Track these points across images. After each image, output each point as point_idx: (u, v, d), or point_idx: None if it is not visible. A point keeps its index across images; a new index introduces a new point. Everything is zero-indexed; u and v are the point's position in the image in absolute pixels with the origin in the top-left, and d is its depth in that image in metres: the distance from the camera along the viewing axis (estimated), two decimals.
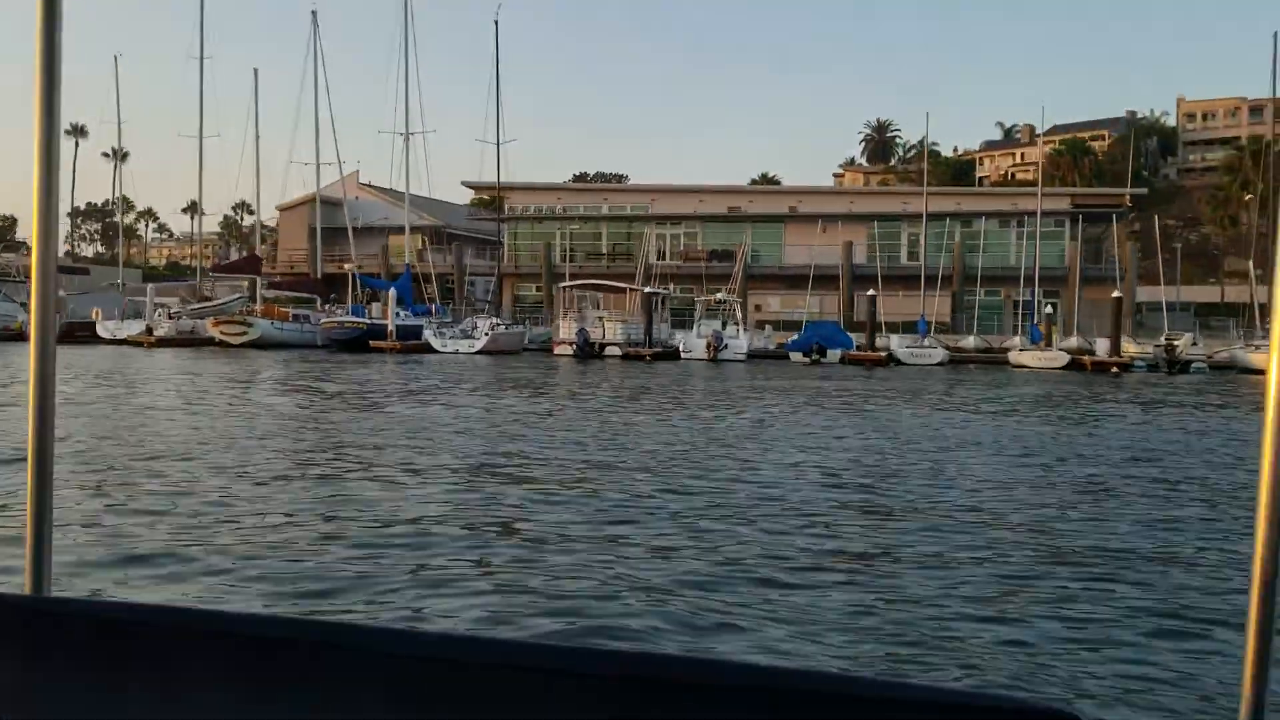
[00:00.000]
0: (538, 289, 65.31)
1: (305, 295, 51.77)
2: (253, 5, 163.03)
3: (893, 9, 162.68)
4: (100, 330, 48.51)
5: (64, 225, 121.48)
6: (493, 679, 1.00)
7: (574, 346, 43.96)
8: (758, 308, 59.00)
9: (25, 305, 54.19)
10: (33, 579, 1.34)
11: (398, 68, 55.02)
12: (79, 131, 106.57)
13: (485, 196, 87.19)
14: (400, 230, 69.35)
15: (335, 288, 57.13)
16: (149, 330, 47.29)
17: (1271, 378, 0.94)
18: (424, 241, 73.83)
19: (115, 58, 69.32)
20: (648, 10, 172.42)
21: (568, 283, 51.21)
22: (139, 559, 6.73)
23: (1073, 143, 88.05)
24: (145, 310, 50.18)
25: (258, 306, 47.96)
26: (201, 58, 54.62)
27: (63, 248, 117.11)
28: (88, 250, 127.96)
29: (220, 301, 46.01)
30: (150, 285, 52.04)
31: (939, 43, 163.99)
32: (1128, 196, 59.63)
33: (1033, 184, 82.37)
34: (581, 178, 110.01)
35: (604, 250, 67.11)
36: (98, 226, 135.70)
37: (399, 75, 56.13)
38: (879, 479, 11.24)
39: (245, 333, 46.18)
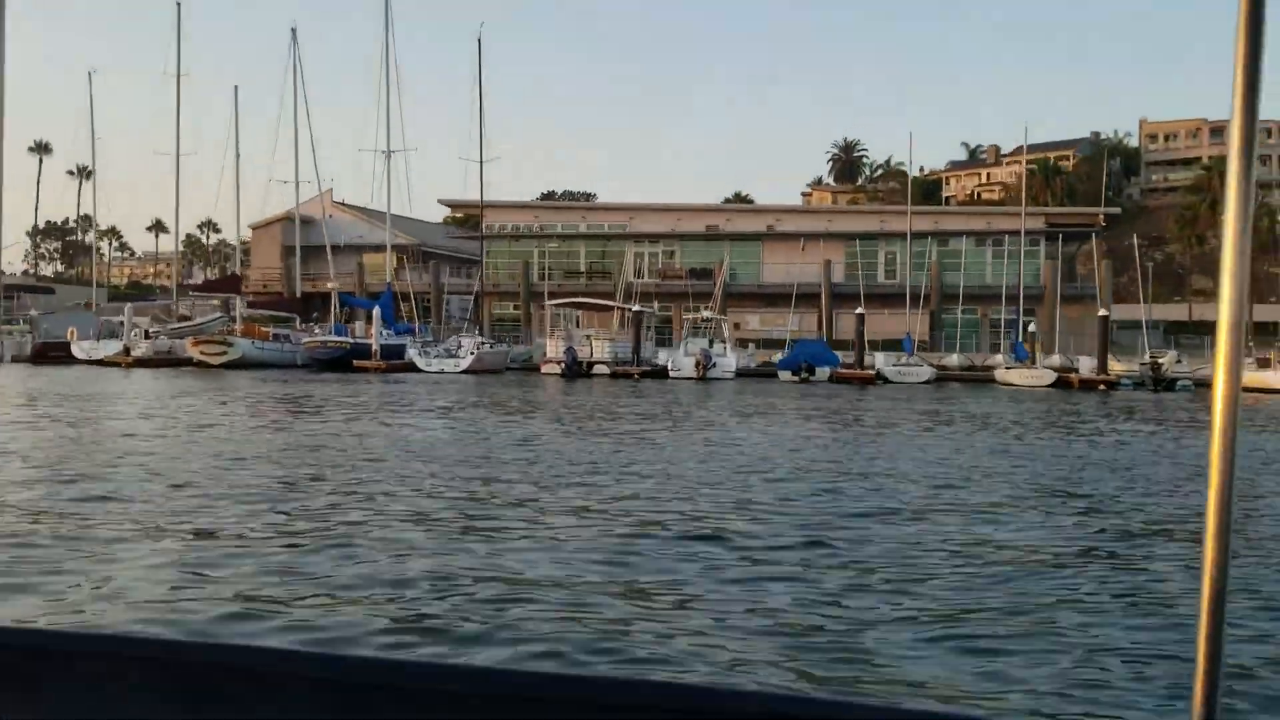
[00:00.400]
0: (515, 307, 65.08)
1: (284, 315, 51.17)
2: (232, 21, 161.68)
3: (857, 30, 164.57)
4: (75, 350, 47.56)
5: (23, 243, 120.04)
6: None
7: (562, 365, 43.71)
8: (737, 325, 59.10)
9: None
10: None
11: (379, 85, 54.32)
12: (43, 148, 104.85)
13: (459, 215, 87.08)
14: (375, 249, 68.96)
15: (315, 306, 56.53)
16: (126, 350, 46.43)
17: (1217, 394, 0.98)
18: (400, 260, 73.42)
19: (89, 74, 68.31)
20: (613, 29, 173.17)
21: (555, 300, 50.99)
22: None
23: (1044, 163, 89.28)
24: (121, 330, 49.28)
25: (237, 326, 47.30)
26: (179, 74, 53.97)
27: (21, 266, 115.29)
28: (47, 269, 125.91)
29: (200, 321, 45.31)
30: (128, 305, 51.11)
31: (902, 63, 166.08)
32: (1102, 216, 60.49)
33: (1000, 203, 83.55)
34: (549, 196, 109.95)
35: (582, 269, 67.02)
36: (58, 245, 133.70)
37: (381, 92, 55.56)
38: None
39: (225, 353, 45.49)
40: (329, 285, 52.19)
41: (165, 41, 55.58)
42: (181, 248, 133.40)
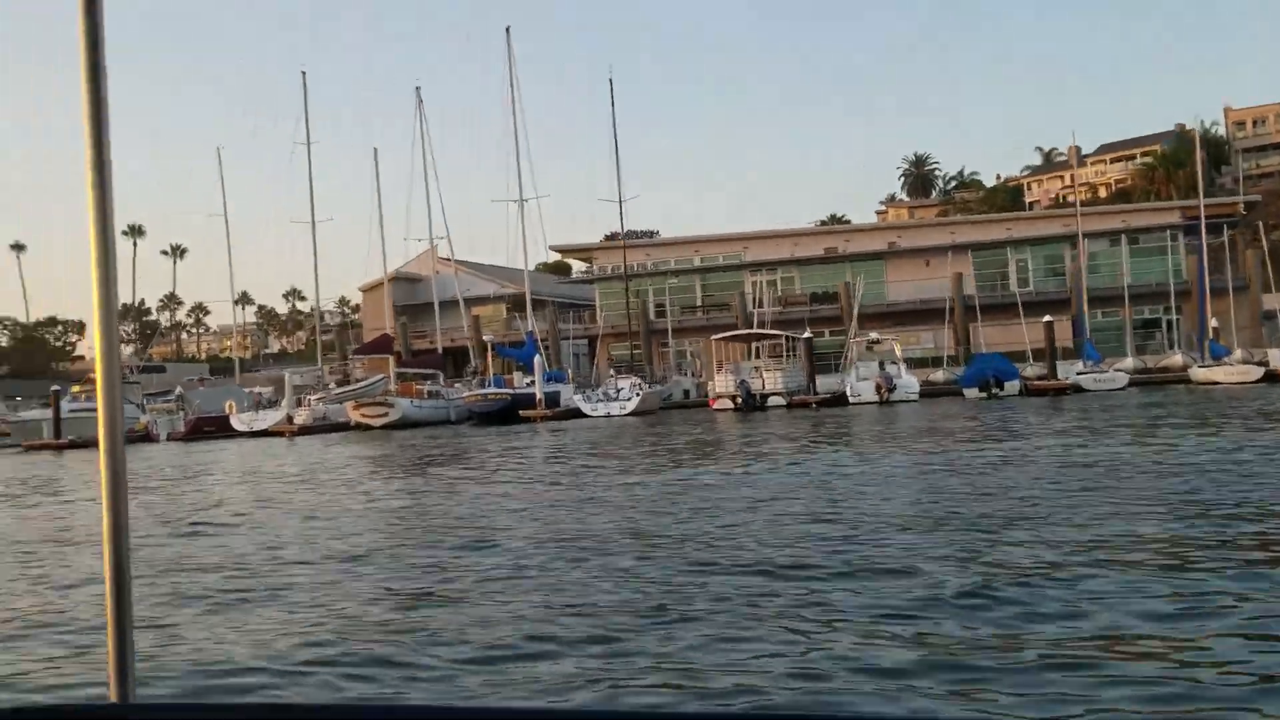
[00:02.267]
0: (635, 347, 64.44)
1: (428, 371, 50.80)
2: (356, 86, 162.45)
3: (906, 45, 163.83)
4: (235, 423, 47.33)
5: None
6: None
7: (738, 399, 42.79)
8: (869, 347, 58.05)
9: (143, 406, 53.23)
10: (117, 688, 1.33)
11: (506, 136, 54.06)
12: (136, 231, 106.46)
13: (552, 261, 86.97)
14: (481, 301, 68.75)
15: (456, 361, 56.37)
16: (289, 419, 46.13)
17: None
18: (508, 310, 73.19)
19: (218, 150, 69.08)
20: (668, 56, 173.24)
21: (723, 334, 50.23)
22: (222, 663, 6.37)
23: (1165, 155, 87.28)
24: (264, 400, 49.19)
25: (393, 386, 46.95)
26: (309, 143, 54.15)
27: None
28: (126, 350, 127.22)
29: (365, 383, 45.01)
30: (288, 372, 50.94)
31: (964, 75, 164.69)
32: (1241, 204, 58.87)
33: (1089, 204, 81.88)
34: (612, 237, 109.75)
35: (698, 302, 66.36)
36: (134, 326, 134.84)
37: (509, 143, 55.32)
38: None
39: (386, 414, 45.14)
40: (486, 337, 51.75)
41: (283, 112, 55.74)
42: (254, 318, 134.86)
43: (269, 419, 46.91)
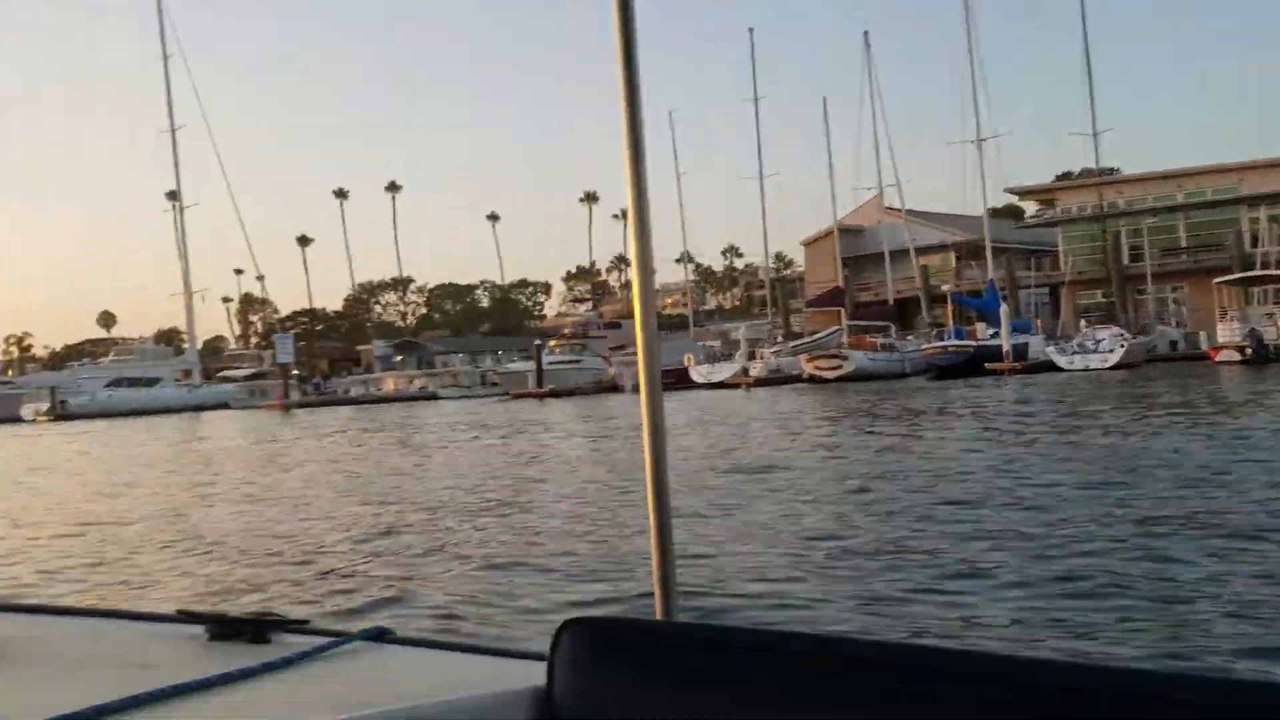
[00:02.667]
0: (1105, 295, 58.38)
1: (880, 323, 49.13)
2: (801, 38, 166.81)
3: None
4: (694, 375, 48.75)
5: (560, 288, 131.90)
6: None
7: (1245, 351, 37.06)
8: None
9: (608, 359, 56.53)
10: (662, 606, 1.42)
11: (964, 73, 50.77)
12: (590, 198, 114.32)
13: (1001, 206, 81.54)
14: (928, 250, 65.63)
15: (902, 313, 54.41)
16: (744, 371, 46.68)
17: None
18: (958, 259, 69.58)
19: (670, 113, 72.03)
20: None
21: (1227, 278, 44.20)
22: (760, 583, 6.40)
23: None
24: (717, 354, 50.09)
25: (845, 339, 45.89)
26: (756, 99, 54.29)
27: (556, 308, 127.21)
28: (580, 308, 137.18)
29: (819, 335, 44.48)
30: (743, 325, 51.87)
31: None
32: None
33: None
34: (1064, 176, 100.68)
35: (1183, 244, 58.84)
36: (587, 288, 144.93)
37: (966, 80, 52.13)
38: None
39: (840, 366, 44.21)
40: (945, 288, 49.40)
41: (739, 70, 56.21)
42: (694, 276, 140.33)
43: (725, 371, 47.76)
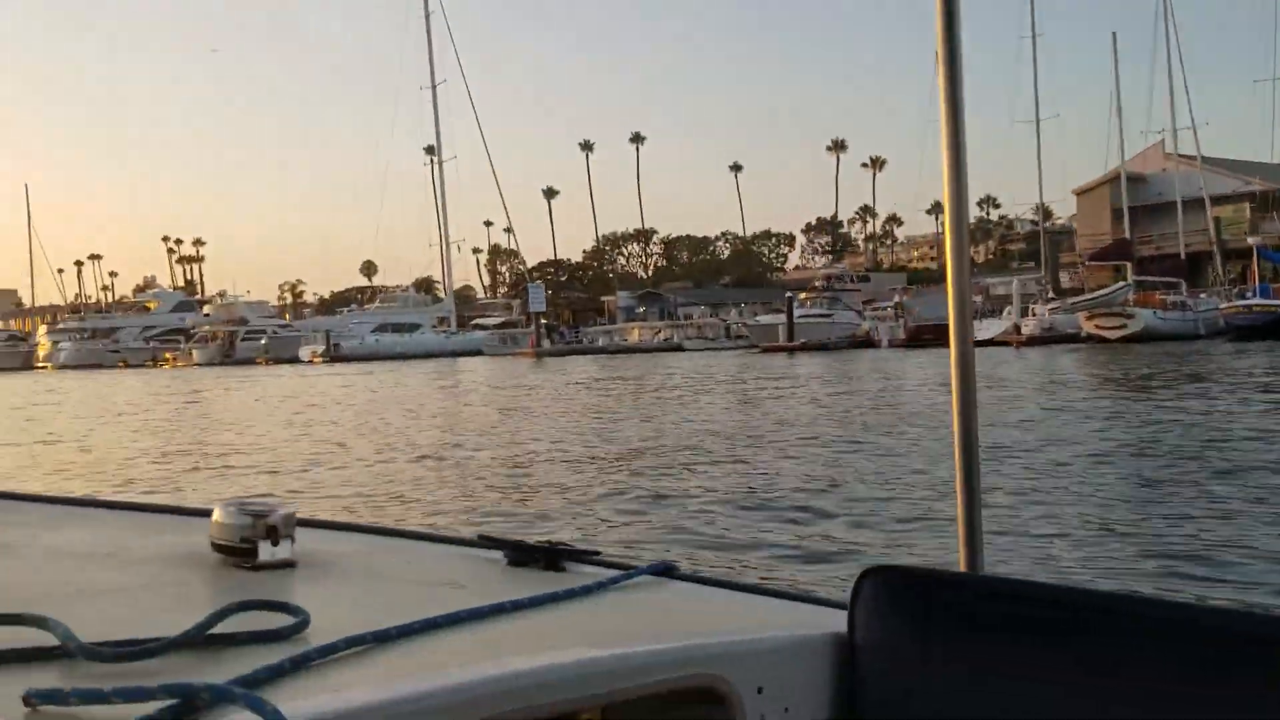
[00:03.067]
0: None
1: (1168, 280, 44.66)
2: None
3: None
4: None
5: (801, 240, 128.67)
6: None
7: None
8: None
9: (862, 314, 54.43)
10: (967, 558, 1.41)
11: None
12: (839, 146, 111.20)
13: None
14: (1219, 201, 59.32)
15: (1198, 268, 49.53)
16: (1017, 329, 43.64)
17: None
18: (1251, 210, 62.81)
19: (936, 53, 68.56)
20: None
21: None
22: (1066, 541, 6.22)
23: None
24: (990, 310, 46.97)
25: (1131, 295, 41.99)
26: (1034, 36, 50.34)
27: (795, 259, 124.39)
28: (819, 261, 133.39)
29: (1104, 291, 40.86)
30: (1015, 280, 48.68)
31: None
32: None
33: None
34: None
35: None
36: (827, 239, 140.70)
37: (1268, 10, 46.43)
38: None
39: (1125, 325, 40.53)
40: (1252, 240, 44.53)
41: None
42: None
43: (994, 328, 44.84)
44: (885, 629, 1.15)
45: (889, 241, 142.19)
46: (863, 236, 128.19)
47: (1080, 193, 65.83)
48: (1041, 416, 14.70)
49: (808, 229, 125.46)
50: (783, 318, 51.77)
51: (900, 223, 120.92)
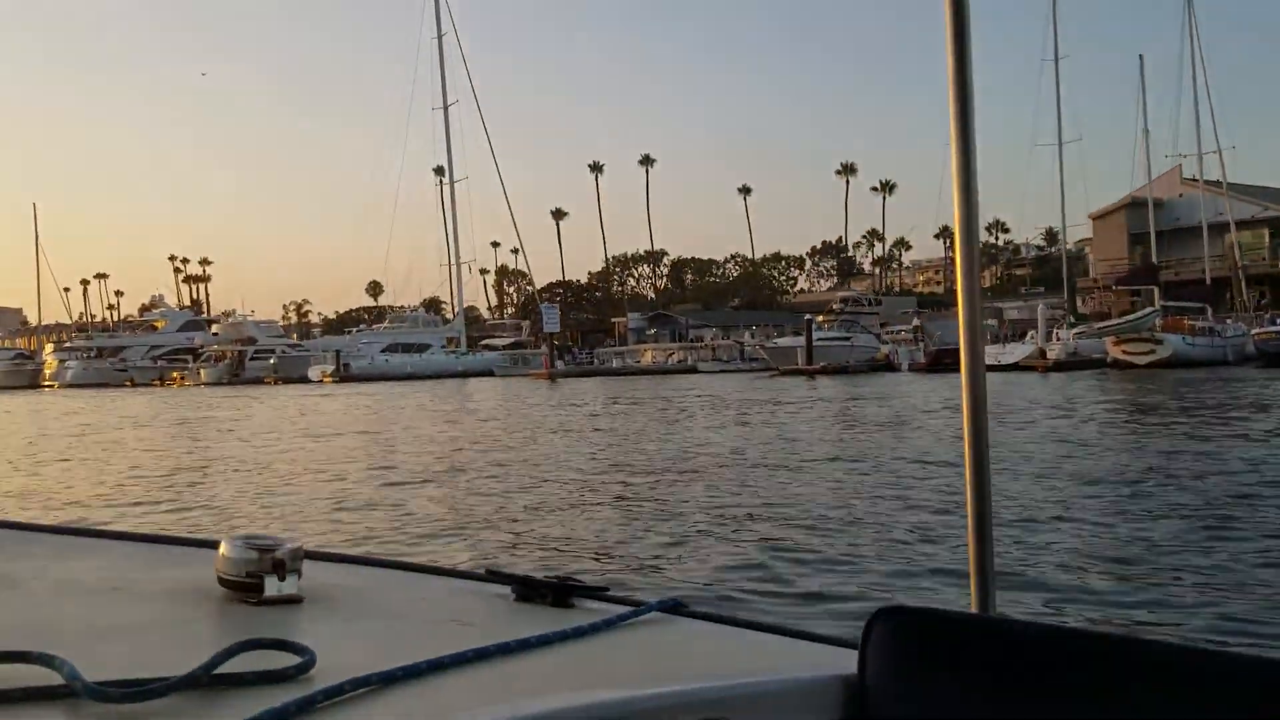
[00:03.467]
0: None
1: (1194, 305, 44.13)
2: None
3: None
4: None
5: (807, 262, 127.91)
6: None
7: None
8: None
9: (880, 338, 53.91)
10: (978, 598, 1.41)
11: None
12: (848, 170, 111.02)
13: None
14: (1241, 226, 58.89)
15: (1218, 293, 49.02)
16: (1042, 353, 43.07)
17: None
18: (1270, 235, 62.46)
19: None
20: None
21: None
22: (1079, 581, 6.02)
23: None
24: (1004, 335, 46.42)
25: (1158, 321, 41.45)
26: (1056, 59, 50.03)
27: (802, 283, 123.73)
28: (824, 285, 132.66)
29: (1133, 317, 40.31)
30: (1041, 304, 48.12)
31: None
32: None
33: None
34: None
35: None
36: (833, 263, 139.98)
37: None
38: None
39: (1153, 351, 39.99)
40: None
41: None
42: (950, 251, 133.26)
43: (1018, 353, 44.30)
44: (896, 671, 1.13)
45: (895, 265, 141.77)
46: (869, 260, 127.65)
47: (1096, 217, 65.42)
48: (1077, 449, 13.98)
49: (813, 252, 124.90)
50: (801, 340, 51.22)
51: (909, 246, 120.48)
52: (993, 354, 45.70)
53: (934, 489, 10.01)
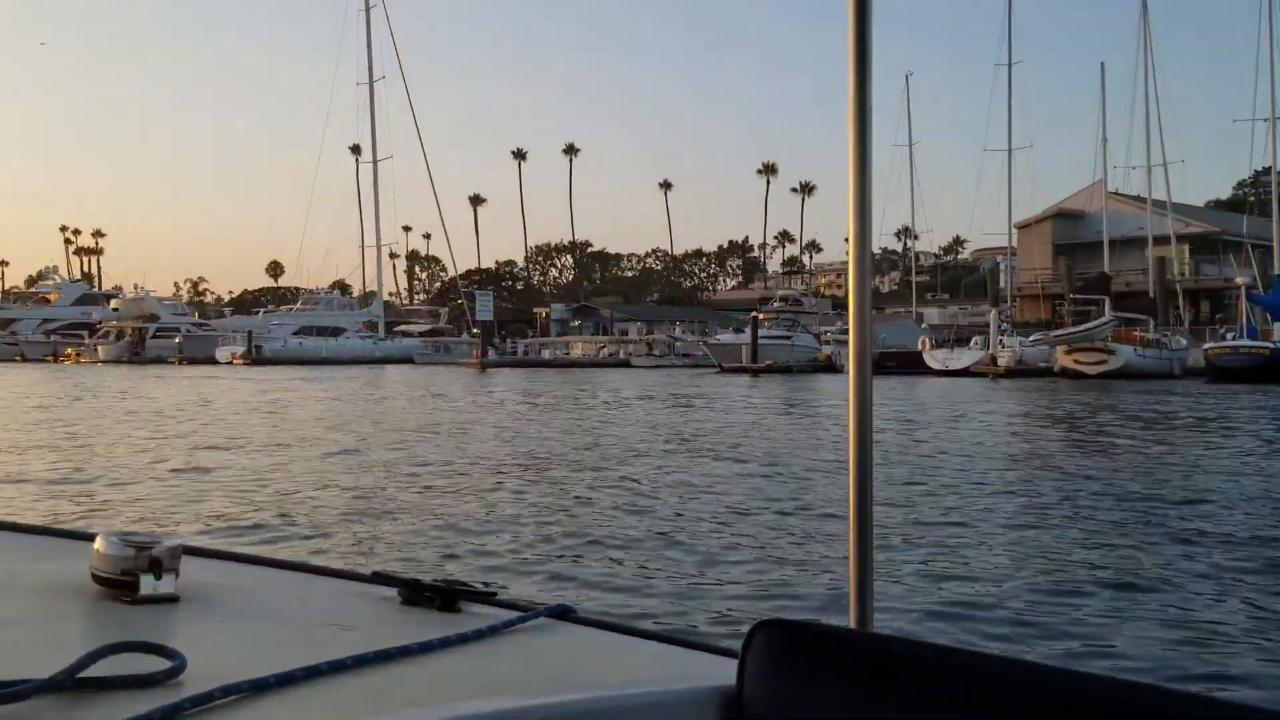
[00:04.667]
0: None
1: (1137, 316, 44.50)
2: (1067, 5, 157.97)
3: None
4: (929, 360, 45.11)
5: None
6: None
7: None
8: None
9: (819, 338, 53.33)
10: (857, 613, 1.41)
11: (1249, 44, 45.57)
12: (769, 170, 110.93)
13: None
14: (1159, 241, 60.17)
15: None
16: (993, 360, 42.86)
17: None
18: (1190, 252, 64.05)
19: (906, 77, 68.27)
20: None
21: None
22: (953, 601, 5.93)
23: None
24: (960, 337, 46.28)
25: (1110, 332, 41.61)
26: (1010, 64, 50.03)
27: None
28: (729, 283, 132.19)
29: (1089, 326, 40.25)
30: (993, 311, 47.91)
31: None
32: None
33: None
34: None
35: None
36: (739, 262, 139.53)
37: (1252, 53, 46.92)
38: None
39: (1105, 361, 40.08)
40: (1238, 280, 44.62)
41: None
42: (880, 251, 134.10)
43: (966, 358, 44.03)
44: (775, 683, 1.13)
45: (799, 268, 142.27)
46: (777, 261, 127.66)
47: (1021, 226, 66.14)
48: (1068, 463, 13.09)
49: (719, 252, 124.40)
50: (745, 338, 50.25)
51: (819, 249, 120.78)
52: (940, 359, 45.45)
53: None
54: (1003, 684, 1.01)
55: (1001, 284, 63.05)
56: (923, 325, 52.19)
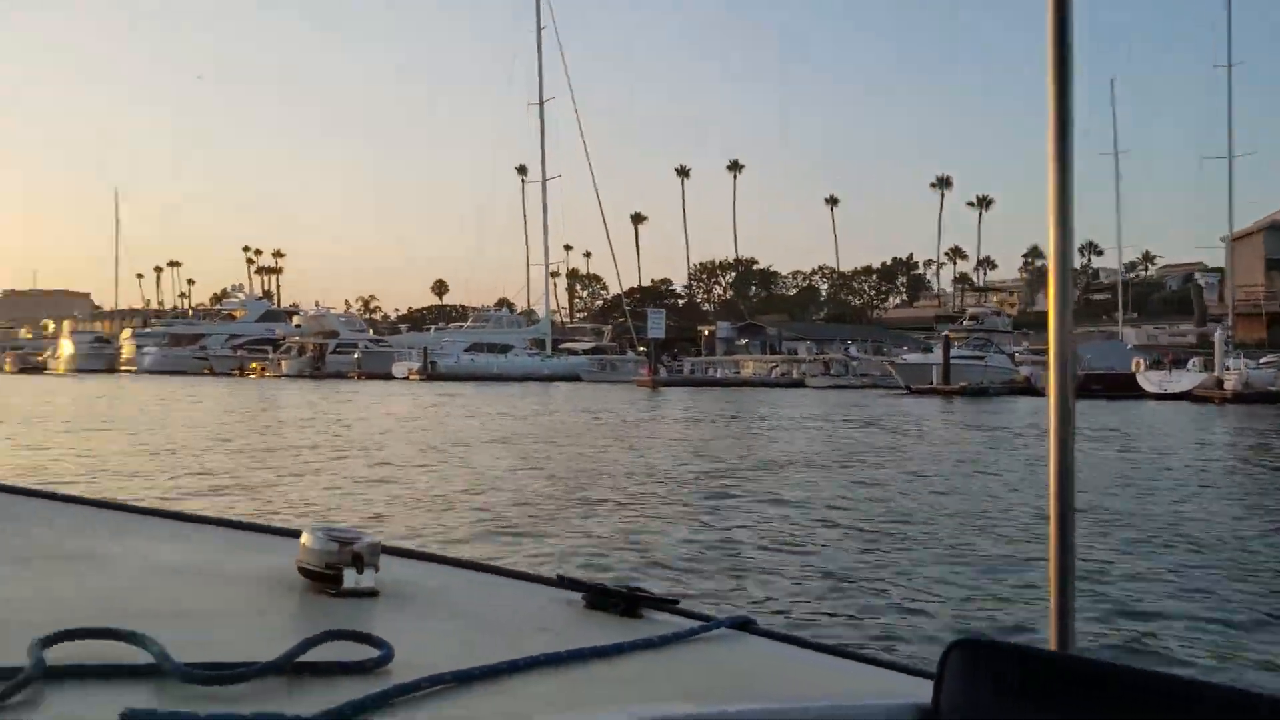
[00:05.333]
0: None
1: None
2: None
3: None
4: (1143, 383, 41.71)
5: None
6: None
7: None
8: None
9: (1013, 358, 50.27)
10: (1058, 636, 1.38)
11: None
12: (943, 182, 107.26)
13: None
14: None
15: None
16: (1219, 383, 39.23)
17: None
18: None
19: (1111, 81, 64.68)
20: None
21: None
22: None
23: None
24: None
25: None
26: (1230, 65, 46.29)
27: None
28: (893, 301, 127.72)
29: None
30: (1219, 329, 44.21)
31: None
32: None
33: None
34: None
35: None
36: (904, 279, 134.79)
37: None
38: None
39: None
40: None
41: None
42: (1020, 275, 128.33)
43: (1186, 381, 40.46)
44: (971, 705, 1.09)
45: (969, 285, 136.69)
46: (949, 278, 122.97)
47: (1236, 239, 61.17)
48: None
49: (883, 268, 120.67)
50: (935, 357, 47.71)
51: (994, 266, 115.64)
52: (1156, 381, 41.97)
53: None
54: (1213, 712, 0.96)
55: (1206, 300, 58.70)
56: (1129, 345, 48.44)
